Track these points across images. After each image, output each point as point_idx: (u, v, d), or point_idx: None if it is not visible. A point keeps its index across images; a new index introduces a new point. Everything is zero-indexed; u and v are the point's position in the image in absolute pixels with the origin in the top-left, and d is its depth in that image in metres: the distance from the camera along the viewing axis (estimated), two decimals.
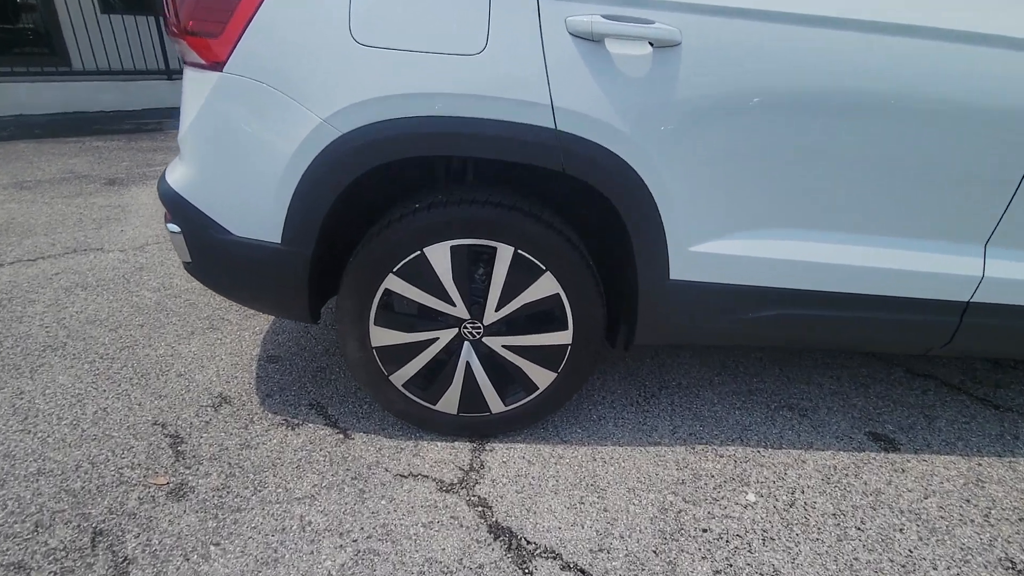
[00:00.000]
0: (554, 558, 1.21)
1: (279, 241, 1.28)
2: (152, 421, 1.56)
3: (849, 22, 1.12)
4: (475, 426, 1.53)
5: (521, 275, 1.33)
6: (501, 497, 1.37)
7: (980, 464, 1.57)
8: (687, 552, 1.25)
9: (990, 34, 1.13)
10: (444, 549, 1.22)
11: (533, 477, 1.43)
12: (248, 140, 1.21)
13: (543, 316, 1.41)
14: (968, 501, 1.43)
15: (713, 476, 1.47)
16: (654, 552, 1.24)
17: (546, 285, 1.34)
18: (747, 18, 1.11)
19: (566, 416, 1.67)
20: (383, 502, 1.33)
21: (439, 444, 1.53)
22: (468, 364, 1.45)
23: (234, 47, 1.14)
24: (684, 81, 1.13)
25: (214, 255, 1.34)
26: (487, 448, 1.53)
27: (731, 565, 1.22)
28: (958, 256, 1.32)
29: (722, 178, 1.22)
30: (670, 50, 1.12)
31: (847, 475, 1.50)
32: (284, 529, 1.25)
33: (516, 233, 1.28)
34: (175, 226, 1.35)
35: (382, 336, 1.41)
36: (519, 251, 1.30)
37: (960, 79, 1.15)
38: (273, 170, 1.20)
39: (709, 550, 1.25)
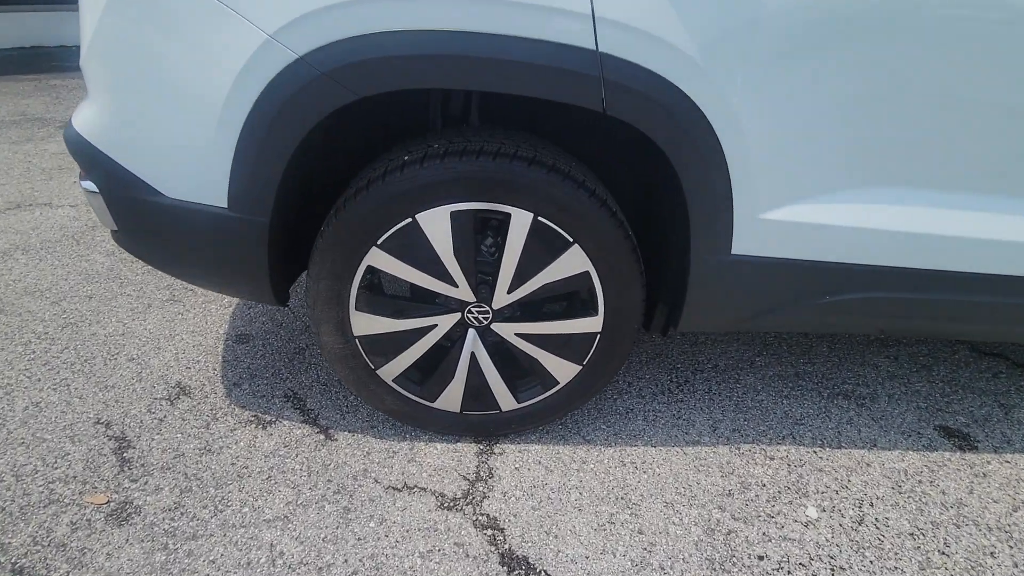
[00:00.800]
0: None
1: (225, 205, 0.97)
2: (95, 419, 1.30)
3: None
4: (482, 425, 1.28)
5: (542, 248, 1.04)
6: (515, 516, 1.13)
7: None
8: None
9: None
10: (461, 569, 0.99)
11: (552, 488, 1.20)
12: (170, 68, 0.88)
13: (568, 299, 1.13)
14: None
15: (765, 485, 1.24)
16: None
17: (573, 261, 1.05)
18: None
19: (587, 409, 1.42)
20: (372, 524, 1.10)
21: (439, 446, 1.29)
22: (473, 355, 1.18)
23: None
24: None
25: (144, 222, 1.04)
26: (496, 451, 1.29)
27: None
28: None
29: (817, 120, 0.91)
30: None
31: (921, 482, 1.27)
32: (250, 563, 1.01)
33: (537, 194, 0.98)
34: (90, 184, 1.04)
35: (366, 323, 1.13)
36: (539, 218, 1.00)
37: None
38: (207, 110, 0.89)
39: None
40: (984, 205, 1.00)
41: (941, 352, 1.73)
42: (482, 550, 1.06)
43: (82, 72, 1.02)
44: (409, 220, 1.00)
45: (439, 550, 1.06)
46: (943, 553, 1.11)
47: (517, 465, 1.25)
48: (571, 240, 1.03)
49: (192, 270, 1.13)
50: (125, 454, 1.22)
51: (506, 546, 1.07)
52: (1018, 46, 0.87)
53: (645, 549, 1.08)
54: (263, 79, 0.85)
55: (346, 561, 1.02)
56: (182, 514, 1.09)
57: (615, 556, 1.07)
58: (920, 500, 1.23)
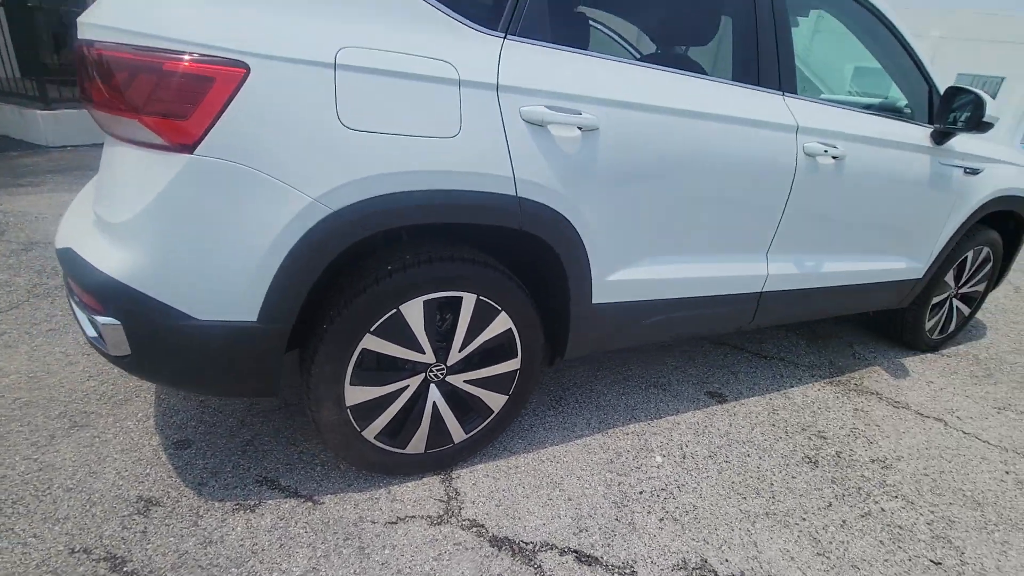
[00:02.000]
0: (551, 549, 1.46)
1: (255, 319, 1.24)
2: (68, 550, 1.31)
3: (714, 115, 1.63)
4: (440, 459, 1.67)
5: (482, 317, 1.53)
6: (487, 514, 1.55)
7: (770, 399, 2.30)
8: (637, 511, 1.62)
9: (759, 119, 1.76)
10: (463, 574, 1.36)
11: (503, 490, 1.65)
12: (222, 222, 1.16)
13: (498, 349, 1.63)
14: (773, 425, 2.12)
15: (628, 450, 1.88)
16: (616, 519, 1.58)
17: (501, 323, 1.57)
18: (639, 110, 1.52)
19: (506, 432, 1.90)
20: (387, 551, 1.40)
21: (409, 484, 1.63)
22: (435, 403, 1.59)
23: (208, 129, 1.10)
24: (602, 155, 1.49)
25: (167, 343, 1.23)
26: (453, 476, 1.68)
27: (667, 512, 1.63)
28: (755, 263, 1.97)
29: (627, 223, 1.62)
30: (593, 132, 1.46)
31: (706, 426, 2.07)
32: None
33: (479, 282, 1.48)
34: (111, 319, 1.19)
35: (356, 394, 1.46)
36: (481, 297, 1.50)
37: (765, 147, 1.75)
38: (254, 250, 1.18)
39: (650, 505, 1.65)
40: (709, 261, 1.84)
41: (695, 347, 2.67)
42: (475, 542, 1.46)
43: (98, 215, 1.18)
44: (394, 311, 1.40)
45: (446, 552, 1.42)
46: (726, 461, 1.88)
47: (473, 482, 1.67)
48: (499, 309, 1.55)
49: (207, 379, 1.31)
50: (125, 569, 1.28)
51: (490, 534, 1.49)
52: (728, 183, 1.71)
53: (576, 508, 1.61)
54: (304, 227, 1.19)
55: None
56: None
57: (560, 518, 1.57)
58: (708, 436, 2.01)
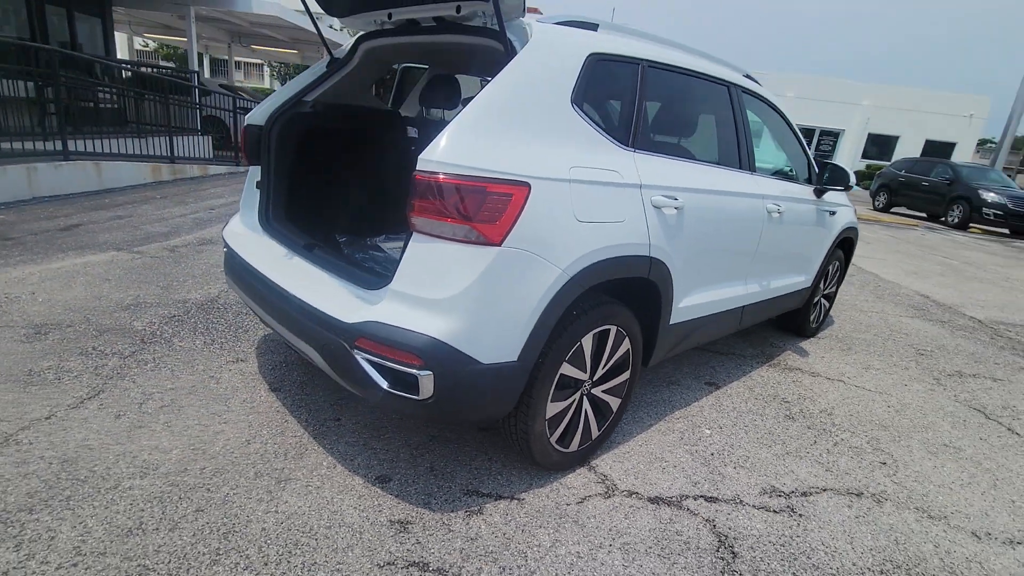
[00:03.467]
0: (687, 497, 2.10)
1: (516, 359, 1.71)
2: (378, 566, 1.61)
3: (725, 192, 2.45)
4: (584, 454, 2.21)
5: (617, 342, 2.14)
6: (634, 485, 2.14)
7: (743, 381, 3.21)
8: (717, 465, 2.33)
9: (747, 192, 2.65)
10: (647, 522, 1.94)
11: (631, 468, 2.25)
12: (510, 291, 1.63)
13: (621, 364, 2.24)
14: (756, 398, 3.01)
15: (685, 429, 2.60)
16: (710, 472, 2.28)
17: (625, 345, 2.19)
18: (699, 193, 2.29)
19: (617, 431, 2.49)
20: (593, 520, 1.92)
21: (569, 476, 2.15)
22: (586, 411, 2.14)
23: (510, 229, 1.58)
24: (684, 222, 2.22)
25: (461, 384, 1.63)
26: (593, 465, 2.24)
27: (735, 462, 2.37)
28: (743, 286, 2.86)
29: (691, 265, 2.36)
30: (681, 209, 2.19)
31: (719, 405, 2.88)
32: (599, 559, 1.72)
33: (619, 317, 2.09)
34: (427, 371, 1.58)
35: (551, 409, 1.96)
36: (619, 328, 2.11)
37: (748, 210, 2.63)
38: (527, 308, 1.67)
39: (723, 460, 2.38)
40: (723, 287, 2.67)
41: (696, 351, 3.51)
42: (640, 503, 2.04)
43: (412, 295, 1.58)
44: (579, 344, 1.95)
45: (627, 512, 1.98)
46: (745, 426, 2.70)
47: (609, 466, 2.24)
48: (626, 335, 2.17)
49: (478, 408, 1.71)
50: (430, 568, 1.63)
51: (646, 497, 2.08)
52: (737, 233, 2.54)
53: (683, 470, 2.27)
54: (555, 290, 1.70)
55: (607, 535, 1.84)
56: (535, 544, 1.66)
57: (678, 478, 2.21)
58: (725, 411, 2.82)
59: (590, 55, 1.93)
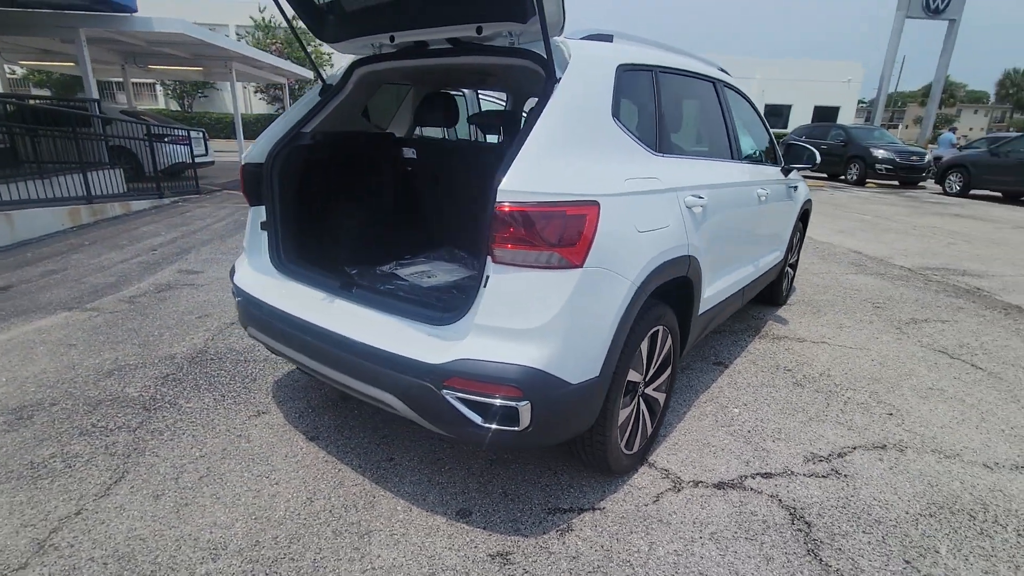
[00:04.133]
0: (745, 477, 2.22)
1: (598, 374, 1.74)
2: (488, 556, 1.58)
3: (732, 183, 2.58)
4: (642, 453, 2.28)
5: (664, 341, 2.22)
6: (696, 475, 2.23)
7: (745, 356, 3.41)
8: (757, 440, 2.48)
9: (743, 180, 2.81)
10: (722, 507, 2.04)
11: (686, 459, 2.34)
12: (593, 309, 1.65)
13: (665, 361, 2.32)
14: (762, 370, 3.21)
15: (715, 412, 2.73)
16: (755, 449, 2.42)
17: (668, 342, 2.27)
18: (716, 187, 2.40)
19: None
20: (675, 516, 1.99)
21: (636, 477, 2.20)
22: (642, 412, 2.20)
23: (588, 248, 1.60)
24: (708, 216, 2.33)
25: (555, 407, 1.63)
26: (651, 462, 2.30)
27: (771, 435, 2.53)
28: (745, 268, 3.03)
29: (713, 254, 2.48)
30: (705, 205, 2.29)
31: (734, 383, 3.04)
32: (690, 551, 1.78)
33: (666, 317, 2.16)
34: (524, 401, 1.56)
35: (621, 415, 2.01)
36: (665, 327, 2.19)
37: (747, 198, 2.79)
38: (607, 323, 1.70)
39: (762, 435, 2.53)
40: (732, 271, 2.82)
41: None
42: (709, 491, 2.13)
43: (500, 327, 1.56)
44: (637, 348, 2.00)
45: (701, 502, 2.06)
46: (765, 399, 2.87)
47: (666, 461, 2.31)
48: (669, 332, 2.25)
49: (568, 426, 1.71)
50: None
51: (710, 484, 2.17)
52: (743, 219, 2.68)
53: (731, 452, 2.39)
54: (627, 302, 1.72)
55: (693, 526, 1.91)
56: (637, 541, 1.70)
57: (730, 460, 2.33)
58: (742, 388, 2.98)
59: (618, 67, 1.97)
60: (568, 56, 1.82)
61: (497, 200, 1.54)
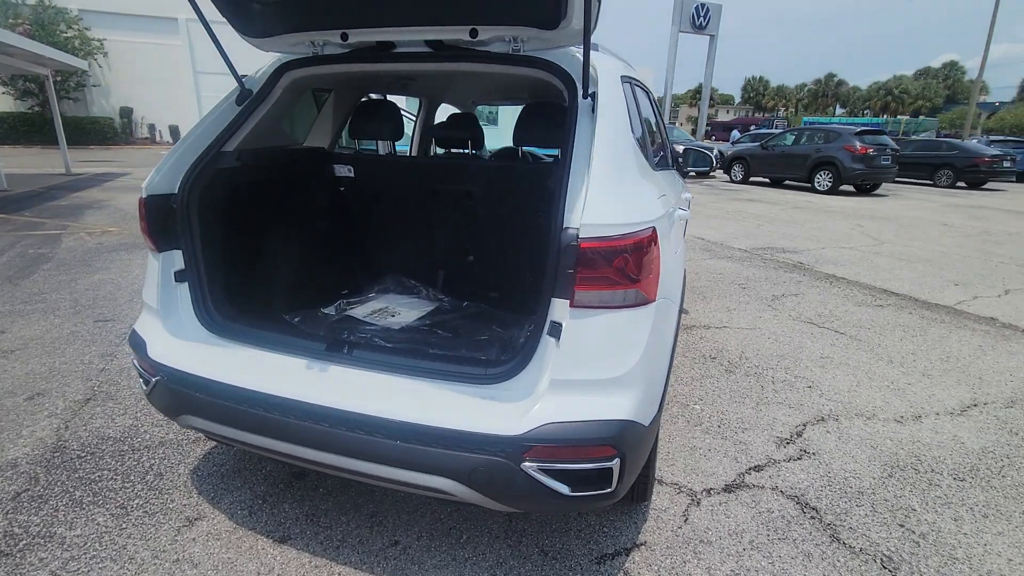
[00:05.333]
0: (745, 474, 2.32)
1: (659, 408, 1.63)
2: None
3: (675, 192, 2.65)
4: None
5: None
6: (703, 484, 2.27)
7: (678, 351, 3.60)
8: (739, 431, 2.62)
9: (678, 188, 2.93)
10: (744, 508, 2.09)
11: (692, 468, 2.36)
12: (660, 342, 1.52)
13: None
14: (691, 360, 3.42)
15: (679, 416, 2.83)
16: (735, 446, 2.55)
17: None
18: (672, 199, 2.44)
19: None
20: (711, 533, 1.98)
21: (654, 499, 2.15)
22: None
23: (658, 281, 1.46)
24: (674, 231, 2.35)
25: (636, 456, 1.48)
26: (660, 479, 2.28)
27: (731, 421, 2.69)
28: (681, 269, 3.18)
29: (675, 268, 2.52)
30: (686, 219, 2.31)
31: (679, 375, 3.19)
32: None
33: None
34: (616, 458, 1.39)
35: None
36: None
37: (682, 203, 2.91)
38: (667, 354, 1.60)
39: (727, 426, 2.67)
40: (680, 274, 2.92)
41: None
42: (723, 496, 2.17)
43: (580, 379, 1.35)
44: None
45: (723, 504, 2.10)
46: (695, 398, 3.06)
47: (670, 473, 2.31)
48: None
49: (638, 470, 1.55)
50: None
51: (718, 487, 2.22)
52: (679, 220, 2.78)
53: (721, 451, 2.48)
54: (675, 326, 1.64)
55: (731, 542, 1.93)
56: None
57: (724, 459, 2.42)
58: (683, 382, 3.14)
59: (621, 78, 1.87)
60: (596, 72, 1.66)
61: (580, 237, 1.33)
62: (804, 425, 2.74)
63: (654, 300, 1.47)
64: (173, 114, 24.61)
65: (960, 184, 16.52)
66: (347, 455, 1.47)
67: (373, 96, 2.85)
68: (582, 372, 1.41)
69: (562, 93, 1.71)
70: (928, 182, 17.00)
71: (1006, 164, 16.18)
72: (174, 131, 25.09)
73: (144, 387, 1.76)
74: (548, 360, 1.43)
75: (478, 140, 2.46)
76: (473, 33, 1.67)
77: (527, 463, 1.37)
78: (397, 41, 1.79)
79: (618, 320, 1.41)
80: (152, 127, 25.64)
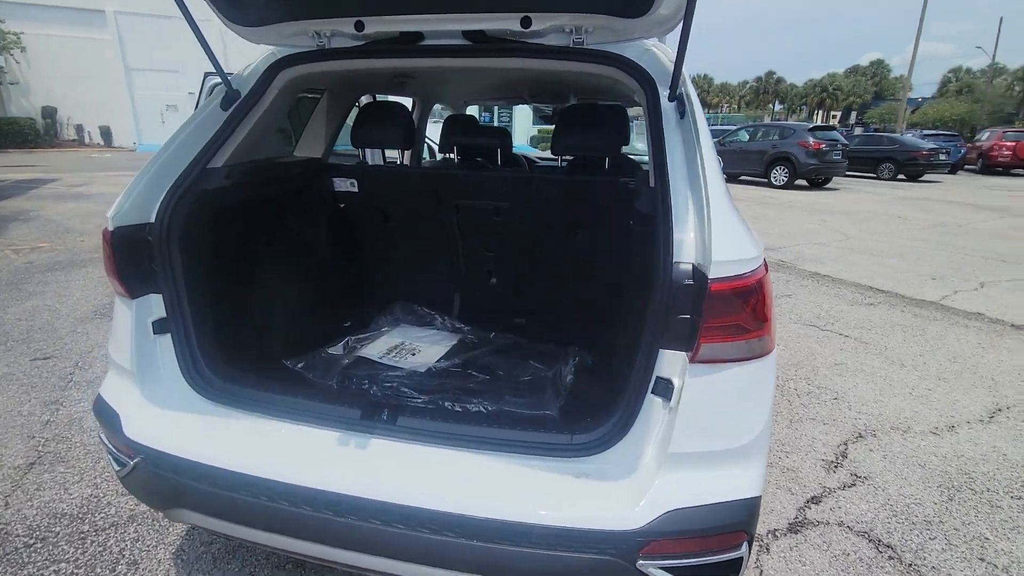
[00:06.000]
0: (804, 513, 2.13)
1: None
2: None
3: None
4: None
5: None
6: (766, 523, 2.06)
7: None
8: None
9: None
10: (823, 560, 1.90)
11: None
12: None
13: None
14: None
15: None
16: None
17: None
18: None
19: None
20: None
21: None
22: None
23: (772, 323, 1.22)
24: None
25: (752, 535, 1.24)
26: None
27: None
28: None
29: None
30: None
31: None
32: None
33: None
34: (745, 544, 1.14)
35: None
36: None
37: None
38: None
39: None
40: None
41: None
42: (778, 541, 1.97)
43: (701, 451, 1.11)
44: None
45: (791, 555, 1.90)
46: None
47: None
48: None
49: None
50: None
51: (761, 531, 2.02)
52: None
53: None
54: None
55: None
56: None
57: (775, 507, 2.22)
58: None
59: None
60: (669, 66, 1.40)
61: (710, 277, 1.06)
62: (845, 444, 2.59)
63: (774, 348, 1.22)
64: (104, 114, 22.88)
65: (900, 176, 17.34)
66: (408, 560, 1.15)
67: (367, 98, 2.50)
68: (708, 442, 1.14)
69: (632, 94, 1.44)
70: (872, 175, 17.76)
71: (942, 157, 17.10)
72: (105, 132, 23.33)
73: (117, 468, 1.38)
74: (654, 425, 1.17)
75: (507, 148, 2.16)
76: (525, 22, 1.38)
77: (643, 560, 1.10)
78: (426, 32, 1.48)
79: (745, 375, 1.16)
80: (80, 128, 23.67)
